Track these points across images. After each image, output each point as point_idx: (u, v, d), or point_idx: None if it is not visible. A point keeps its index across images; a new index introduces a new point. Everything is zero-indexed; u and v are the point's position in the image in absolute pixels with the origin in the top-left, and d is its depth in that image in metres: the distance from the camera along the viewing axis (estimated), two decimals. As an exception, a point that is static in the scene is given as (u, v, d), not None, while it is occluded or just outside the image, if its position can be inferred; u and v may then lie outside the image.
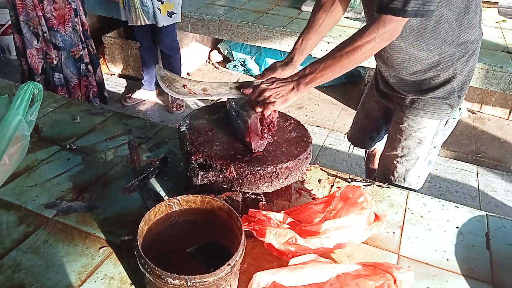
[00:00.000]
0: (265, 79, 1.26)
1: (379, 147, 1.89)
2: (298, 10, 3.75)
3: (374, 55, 1.48)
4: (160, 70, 1.30)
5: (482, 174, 3.02)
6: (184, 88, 1.26)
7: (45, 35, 2.63)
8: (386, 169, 1.63)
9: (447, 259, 1.15)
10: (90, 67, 2.91)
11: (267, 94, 1.18)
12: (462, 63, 1.35)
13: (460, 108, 1.47)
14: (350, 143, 1.95)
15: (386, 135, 1.68)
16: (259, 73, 1.37)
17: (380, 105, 1.63)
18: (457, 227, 1.26)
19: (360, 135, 1.89)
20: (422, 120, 1.45)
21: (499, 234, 1.25)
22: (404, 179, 1.58)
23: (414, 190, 1.52)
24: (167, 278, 0.78)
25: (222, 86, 1.30)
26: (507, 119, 3.71)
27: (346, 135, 2.00)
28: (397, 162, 1.57)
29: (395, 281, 0.90)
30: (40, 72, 2.75)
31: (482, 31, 1.39)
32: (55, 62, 2.72)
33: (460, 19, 1.26)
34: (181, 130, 1.26)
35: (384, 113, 1.66)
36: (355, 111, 1.93)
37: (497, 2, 3.75)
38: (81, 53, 2.81)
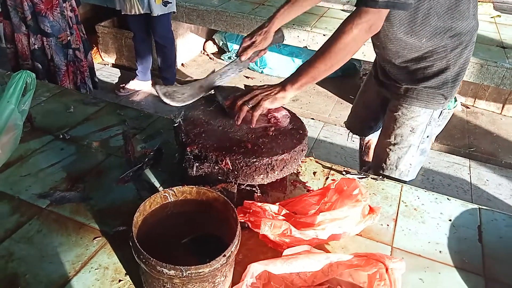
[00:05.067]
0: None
1: (374, 138, 1.90)
2: (294, 1, 3.73)
3: (373, 44, 1.50)
4: (161, 88, 1.32)
5: (474, 167, 3.04)
6: (185, 95, 1.33)
7: (28, 21, 2.58)
8: (379, 157, 1.66)
9: (440, 251, 1.17)
10: (77, 53, 2.87)
11: (257, 93, 1.23)
12: (455, 54, 1.37)
13: (456, 100, 1.49)
14: (348, 130, 1.96)
15: None
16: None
17: (379, 94, 1.65)
18: (450, 220, 1.27)
19: (359, 123, 1.91)
20: (415, 109, 1.47)
21: (491, 227, 1.26)
22: (396, 166, 1.60)
23: (405, 182, 1.53)
24: (162, 269, 0.78)
25: (212, 76, 1.41)
26: (500, 113, 3.73)
27: (344, 123, 2.02)
28: (390, 150, 1.59)
29: (387, 270, 0.91)
30: (29, 58, 2.71)
31: (478, 23, 1.40)
32: (34, 47, 2.67)
33: (451, 12, 1.27)
34: (176, 121, 1.25)
35: (382, 103, 1.67)
36: (350, 104, 1.95)
37: (493, -3, 3.76)
38: (68, 38, 2.76)
